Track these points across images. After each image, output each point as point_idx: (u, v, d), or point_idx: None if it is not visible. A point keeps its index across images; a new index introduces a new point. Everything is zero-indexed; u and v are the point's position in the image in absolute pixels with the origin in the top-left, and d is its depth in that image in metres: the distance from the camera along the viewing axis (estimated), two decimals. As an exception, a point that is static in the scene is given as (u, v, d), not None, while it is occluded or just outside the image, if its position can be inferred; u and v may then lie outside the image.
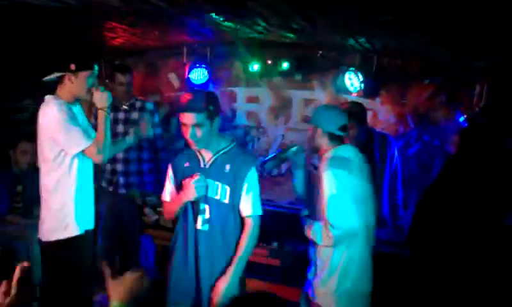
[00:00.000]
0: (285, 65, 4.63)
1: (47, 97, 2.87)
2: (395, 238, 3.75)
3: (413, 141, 4.40)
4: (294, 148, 2.91)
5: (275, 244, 4.20)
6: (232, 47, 4.72)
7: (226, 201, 2.50)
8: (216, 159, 2.52)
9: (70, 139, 2.75)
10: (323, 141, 2.72)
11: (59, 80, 2.85)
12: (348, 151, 2.69)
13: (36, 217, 4.21)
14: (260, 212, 2.57)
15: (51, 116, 2.76)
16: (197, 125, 2.38)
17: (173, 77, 5.03)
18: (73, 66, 2.79)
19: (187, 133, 2.40)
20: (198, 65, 4.77)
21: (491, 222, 2.68)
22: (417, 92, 4.40)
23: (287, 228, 4.30)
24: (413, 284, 3.05)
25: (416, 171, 4.36)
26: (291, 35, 3.97)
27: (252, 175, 2.53)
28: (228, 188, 2.49)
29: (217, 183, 2.49)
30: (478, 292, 2.67)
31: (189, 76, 4.78)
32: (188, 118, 2.37)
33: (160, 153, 4.32)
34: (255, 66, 4.71)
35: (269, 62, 4.70)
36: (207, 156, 2.53)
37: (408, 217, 3.66)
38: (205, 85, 4.79)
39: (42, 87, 4.82)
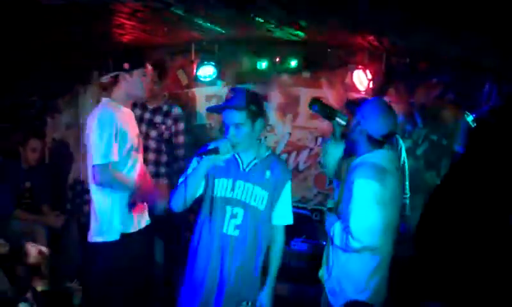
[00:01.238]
0: (293, 63, 4.62)
1: (103, 99, 2.88)
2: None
3: (421, 140, 4.37)
4: (343, 121, 2.61)
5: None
6: (240, 45, 4.72)
7: (263, 207, 2.44)
8: (255, 164, 2.46)
9: (94, 151, 2.73)
10: (361, 140, 2.50)
11: (114, 81, 2.87)
12: (385, 159, 2.45)
13: (44, 214, 4.28)
14: (291, 221, 2.56)
15: (92, 123, 2.76)
16: (237, 125, 2.33)
17: (181, 74, 5.03)
18: (127, 65, 2.81)
19: (228, 133, 2.36)
20: (206, 62, 4.77)
21: (498, 221, 2.67)
22: (426, 91, 4.37)
23: (291, 227, 4.31)
24: (418, 282, 3.05)
25: (424, 170, 4.34)
26: (300, 33, 3.96)
27: (289, 185, 2.52)
28: (266, 195, 2.44)
29: (257, 187, 2.43)
30: (484, 290, 2.66)
31: (197, 73, 4.78)
32: (228, 116, 2.35)
33: (179, 162, 4.16)
34: (263, 64, 4.71)
35: (277, 60, 4.69)
36: (246, 159, 2.46)
37: (416, 216, 3.65)
38: (213, 82, 4.80)
39: (49, 84, 4.87)
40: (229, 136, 2.35)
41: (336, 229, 2.48)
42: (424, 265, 3.04)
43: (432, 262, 3.01)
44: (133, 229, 2.92)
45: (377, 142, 2.46)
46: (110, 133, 2.72)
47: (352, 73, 4.42)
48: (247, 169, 2.45)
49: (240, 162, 2.46)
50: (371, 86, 4.35)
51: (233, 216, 2.42)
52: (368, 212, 2.33)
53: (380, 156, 2.45)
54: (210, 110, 2.46)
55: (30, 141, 4.25)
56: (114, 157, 2.74)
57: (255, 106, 2.36)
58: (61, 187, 5.19)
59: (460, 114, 4.15)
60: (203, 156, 2.31)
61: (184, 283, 2.56)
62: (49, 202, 4.43)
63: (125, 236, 2.85)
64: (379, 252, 2.43)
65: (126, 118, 2.87)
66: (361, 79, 4.38)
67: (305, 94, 4.84)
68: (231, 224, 2.42)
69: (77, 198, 5.21)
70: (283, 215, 2.52)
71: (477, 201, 2.69)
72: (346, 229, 2.39)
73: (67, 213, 4.72)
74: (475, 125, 3.79)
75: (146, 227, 3.05)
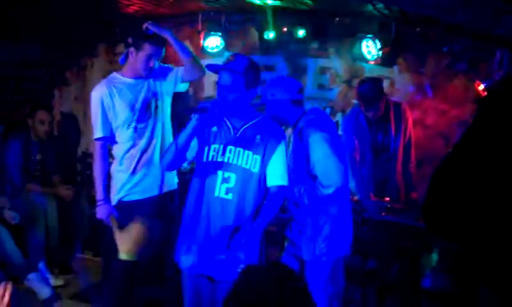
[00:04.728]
0: (301, 33, 4.56)
1: None
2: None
3: (431, 110, 4.33)
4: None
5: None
6: (247, 15, 4.66)
7: (256, 170, 2.46)
8: (245, 129, 2.49)
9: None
10: (288, 111, 2.72)
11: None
12: (321, 113, 2.84)
13: (55, 186, 4.33)
14: (286, 182, 2.55)
15: None
16: (230, 87, 2.36)
17: (187, 45, 4.98)
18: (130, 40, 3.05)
19: (219, 94, 2.40)
20: (212, 33, 4.72)
21: (509, 191, 2.65)
22: (436, 60, 4.31)
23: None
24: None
25: (434, 141, 4.31)
26: (308, 1, 3.90)
27: (282, 146, 2.52)
28: (259, 158, 2.46)
29: (248, 151, 2.46)
30: (498, 260, 2.66)
31: (204, 44, 4.74)
32: (223, 78, 2.38)
33: None
34: (270, 34, 4.65)
35: (285, 29, 4.63)
36: (236, 125, 2.50)
37: (424, 187, 3.63)
38: (220, 53, 4.75)
39: (56, 57, 4.86)
40: (220, 98, 2.38)
41: (301, 189, 2.66)
42: (434, 236, 3.04)
43: (442, 233, 3.01)
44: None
45: (300, 102, 2.73)
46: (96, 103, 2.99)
47: (360, 42, 4.35)
48: (238, 134, 2.48)
49: (231, 127, 2.49)
50: (380, 55, 4.29)
51: (225, 180, 2.45)
52: (329, 157, 2.56)
53: (315, 112, 2.77)
54: (210, 67, 2.48)
55: (38, 113, 4.23)
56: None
57: (252, 74, 2.39)
58: (70, 160, 5.24)
59: (471, 83, 4.09)
60: (193, 114, 2.35)
61: (178, 244, 2.59)
62: (59, 174, 4.46)
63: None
64: (341, 201, 2.70)
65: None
66: (370, 49, 4.32)
67: (313, 65, 4.80)
68: (222, 188, 2.45)
69: (86, 170, 5.26)
70: (276, 175, 2.51)
71: (487, 170, 2.67)
72: (317, 182, 2.59)
73: (77, 185, 4.77)
74: (485, 94, 3.74)
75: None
